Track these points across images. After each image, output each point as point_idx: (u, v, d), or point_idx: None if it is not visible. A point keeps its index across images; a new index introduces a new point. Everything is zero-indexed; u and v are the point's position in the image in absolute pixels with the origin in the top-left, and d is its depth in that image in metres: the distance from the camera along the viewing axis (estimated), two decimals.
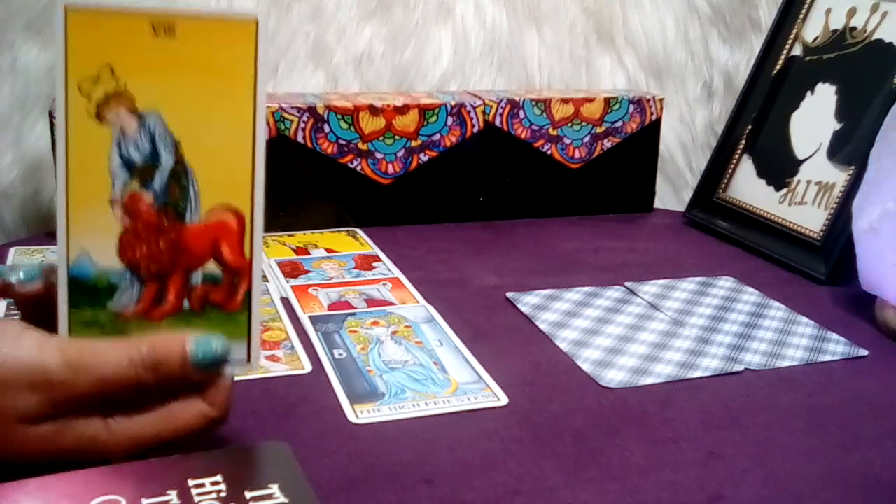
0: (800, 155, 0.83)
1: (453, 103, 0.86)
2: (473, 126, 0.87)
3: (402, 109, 0.85)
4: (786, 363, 0.60)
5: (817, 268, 0.77)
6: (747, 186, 0.88)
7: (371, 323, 0.63)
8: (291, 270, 0.73)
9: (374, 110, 0.84)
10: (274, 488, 0.38)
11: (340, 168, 0.84)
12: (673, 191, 1.05)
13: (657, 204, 0.98)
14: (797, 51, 0.88)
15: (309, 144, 0.83)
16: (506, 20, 0.97)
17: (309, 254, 0.78)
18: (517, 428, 0.50)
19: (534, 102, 0.89)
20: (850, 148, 0.78)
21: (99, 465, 0.40)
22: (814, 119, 0.83)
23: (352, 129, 0.84)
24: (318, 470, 0.45)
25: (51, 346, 0.40)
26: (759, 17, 1.04)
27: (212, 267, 0.43)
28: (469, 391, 0.54)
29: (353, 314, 0.65)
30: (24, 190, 0.86)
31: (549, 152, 0.91)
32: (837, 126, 0.81)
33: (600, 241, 0.86)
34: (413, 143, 0.86)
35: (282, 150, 0.82)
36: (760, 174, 0.87)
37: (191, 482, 0.38)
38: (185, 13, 0.41)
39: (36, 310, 0.43)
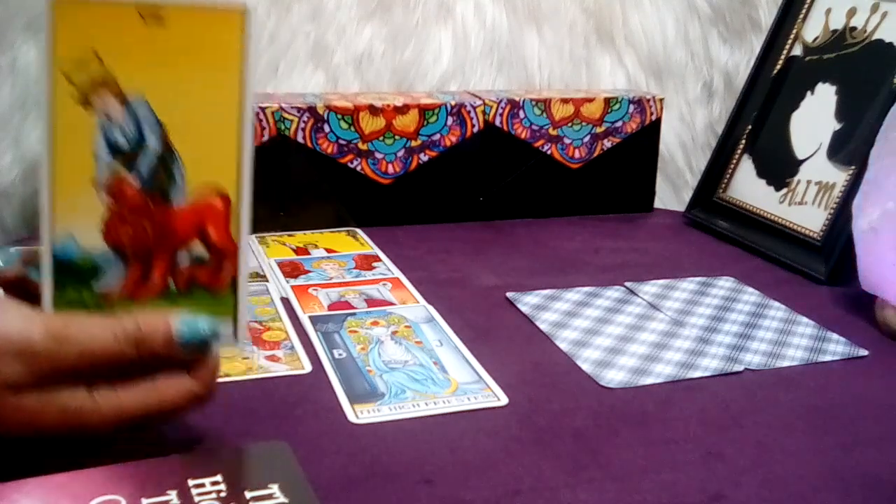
0: (800, 155, 0.83)
1: (453, 103, 0.86)
2: (473, 126, 0.87)
3: (402, 109, 0.85)
4: (786, 363, 0.60)
5: (817, 268, 0.77)
6: (747, 186, 0.88)
7: (371, 323, 0.63)
8: (291, 270, 0.73)
9: (374, 110, 0.84)
10: (274, 488, 0.38)
11: (340, 168, 0.84)
12: (673, 191, 1.05)
13: (657, 204, 0.98)
14: (797, 51, 0.88)
15: (309, 144, 0.83)
16: (506, 20, 0.97)
17: (309, 254, 0.78)
18: (517, 428, 0.50)
19: (534, 102, 0.89)
20: (850, 148, 0.78)
21: (99, 465, 0.40)
22: (814, 119, 0.83)
23: (352, 129, 0.84)
24: (318, 470, 0.45)
25: (35, 318, 0.40)
26: (759, 17, 1.04)
27: (198, 248, 0.43)
28: (469, 391, 0.54)
29: (353, 314, 0.65)
30: (24, 190, 0.86)
31: (549, 152, 0.91)
32: (837, 126, 0.81)
33: (600, 241, 0.86)
34: (413, 143, 0.86)
35: (282, 150, 0.82)
36: (760, 174, 0.87)
37: (191, 482, 0.38)
38: (173, 2, 0.41)
39: (16, 293, 0.44)
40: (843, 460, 0.48)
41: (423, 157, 0.87)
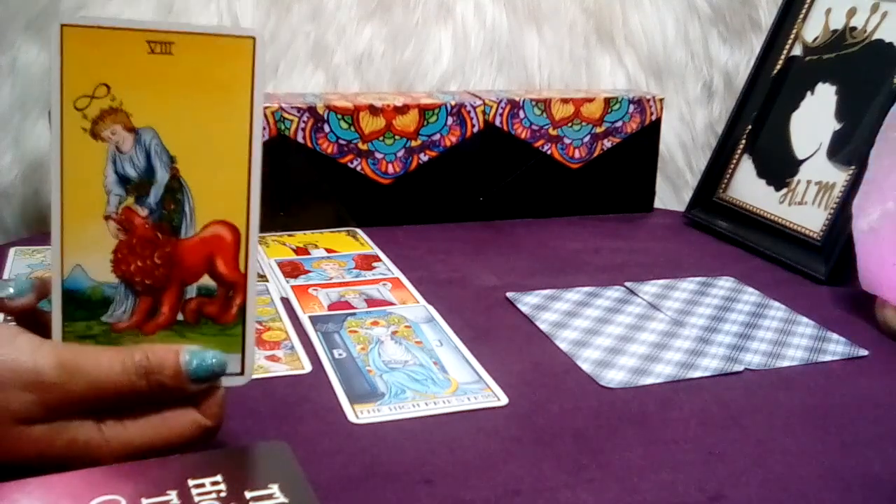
0: (800, 155, 0.83)
1: (453, 103, 0.86)
2: (473, 126, 0.87)
3: (402, 109, 0.85)
4: (786, 363, 0.60)
5: (817, 268, 0.77)
6: (747, 186, 0.88)
7: (371, 323, 0.63)
8: (291, 270, 0.73)
9: (374, 110, 0.84)
10: (274, 488, 0.38)
11: (340, 168, 0.84)
12: (673, 191, 1.05)
13: (657, 204, 0.98)
14: (797, 51, 0.88)
15: (309, 144, 0.83)
16: (506, 20, 0.97)
17: (309, 254, 0.78)
18: (517, 428, 0.50)
19: (534, 102, 0.89)
20: (850, 148, 0.78)
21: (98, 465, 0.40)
22: (814, 119, 0.83)
23: (352, 129, 0.84)
24: (318, 470, 0.45)
25: (45, 349, 0.40)
26: (759, 17, 1.04)
27: (206, 280, 0.43)
28: (469, 391, 0.54)
29: (353, 314, 0.65)
30: (24, 190, 0.86)
31: (549, 152, 0.91)
32: (837, 126, 0.81)
33: (600, 241, 0.86)
34: (413, 143, 0.86)
35: (282, 150, 0.82)
36: (760, 174, 0.87)
37: (191, 482, 0.38)
38: (182, 31, 0.41)
39: (28, 324, 0.44)
40: (843, 460, 0.48)
41: (423, 157, 0.87)
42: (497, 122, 0.88)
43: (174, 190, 0.42)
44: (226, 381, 0.43)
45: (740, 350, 0.61)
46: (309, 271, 0.73)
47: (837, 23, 0.85)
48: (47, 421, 0.40)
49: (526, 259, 0.80)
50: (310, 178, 0.84)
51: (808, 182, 0.81)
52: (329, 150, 0.84)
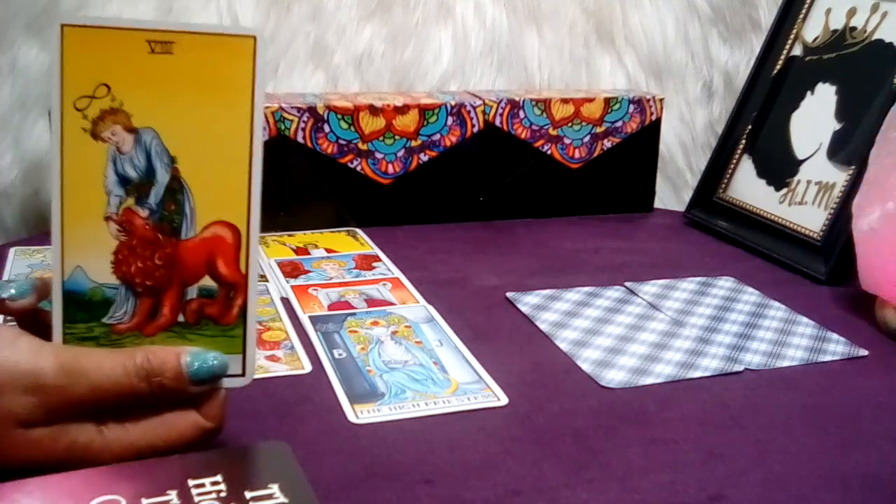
0: (800, 155, 0.83)
1: (453, 103, 0.86)
2: (473, 126, 0.87)
3: (402, 109, 0.85)
4: (786, 363, 0.60)
5: (817, 268, 0.77)
6: (747, 186, 0.88)
7: (371, 323, 0.63)
8: (291, 270, 0.73)
9: (374, 110, 0.84)
10: (274, 488, 0.38)
11: (340, 168, 0.84)
12: (673, 191, 1.05)
13: (657, 204, 0.98)
14: (797, 51, 0.88)
15: (309, 144, 0.83)
16: (506, 20, 0.97)
17: (309, 254, 0.78)
18: (517, 428, 0.50)
19: (534, 102, 0.89)
20: (850, 148, 0.78)
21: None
22: (814, 119, 0.83)
23: (352, 129, 0.84)
24: (318, 470, 0.45)
25: (46, 352, 0.40)
26: (759, 17, 1.04)
27: (207, 281, 0.43)
28: (469, 391, 0.54)
29: (353, 314, 0.65)
30: (24, 190, 0.86)
31: (549, 152, 0.91)
32: (837, 126, 0.81)
33: (600, 241, 0.86)
34: (413, 143, 0.86)
35: (282, 150, 0.82)
36: (760, 174, 0.87)
37: (191, 482, 0.38)
38: (183, 30, 0.41)
39: (29, 325, 0.44)
40: (843, 460, 0.48)
41: (423, 157, 0.87)
42: (497, 122, 0.88)
43: (175, 190, 0.42)
44: (227, 383, 0.43)
45: (740, 350, 0.61)
46: (309, 271, 0.73)
47: (837, 23, 0.85)
48: (48, 424, 0.40)
49: (526, 259, 0.80)
50: (310, 178, 0.84)
51: (808, 182, 0.81)
52: (329, 150, 0.84)
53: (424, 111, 0.85)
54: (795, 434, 0.51)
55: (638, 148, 0.94)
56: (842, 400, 0.55)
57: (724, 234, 0.87)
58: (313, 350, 0.59)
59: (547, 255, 0.81)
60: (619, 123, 0.92)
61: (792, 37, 0.88)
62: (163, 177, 0.42)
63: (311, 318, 0.64)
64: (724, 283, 0.74)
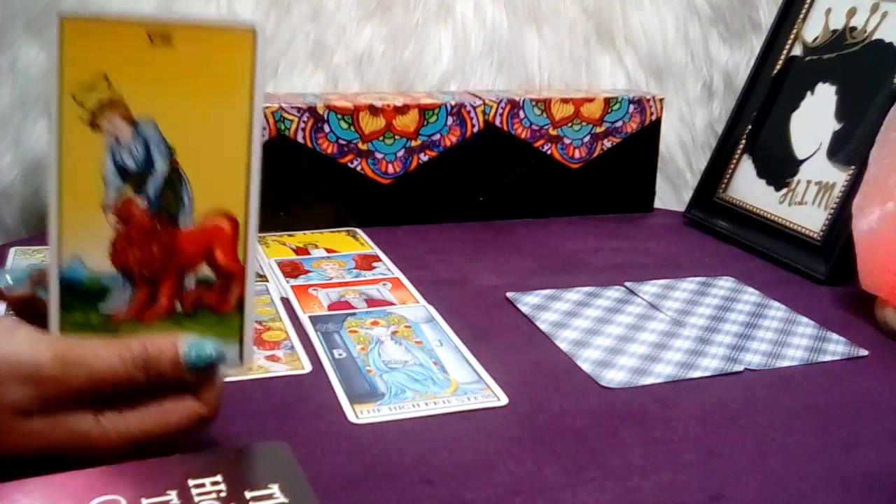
0: (800, 155, 0.83)
1: (453, 103, 0.86)
2: (473, 126, 0.87)
3: (402, 109, 0.85)
4: (786, 363, 0.60)
5: (817, 268, 0.77)
6: (747, 186, 0.88)
7: (371, 323, 0.63)
8: (291, 270, 0.73)
9: (374, 110, 0.84)
10: (274, 488, 0.38)
11: (340, 168, 0.84)
12: (673, 191, 1.05)
13: (657, 204, 0.98)
14: (797, 51, 0.88)
15: (309, 144, 0.83)
16: (506, 20, 0.97)
17: (309, 254, 0.78)
18: (517, 428, 0.50)
19: (534, 102, 0.89)
20: (850, 148, 0.78)
21: (98, 465, 0.40)
22: (814, 119, 0.83)
23: (352, 129, 0.84)
24: (318, 470, 0.45)
25: (43, 342, 0.40)
26: (759, 17, 1.04)
27: (205, 270, 0.43)
28: (469, 391, 0.54)
29: (353, 314, 0.65)
30: (24, 190, 0.86)
31: (549, 152, 0.91)
32: (837, 126, 0.81)
33: (600, 241, 0.86)
34: (413, 143, 0.86)
35: (282, 150, 0.82)
36: (760, 174, 0.87)
37: (191, 482, 0.38)
38: (182, 22, 0.41)
39: (26, 313, 0.44)
40: (843, 460, 0.48)
41: (423, 157, 0.87)
42: (497, 122, 0.88)
43: (173, 181, 0.42)
44: (223, 371, 0.43)
45: (740, 350, 0.61)
46: (309, 271, 0.73)
47: (837, 23, 0.85)
48: (46, 414, 0.40)
49: (526, 259, 0.80)
50: (310, 178, 0.84)
51: (808, 182, 0.81)
52: (329, 150, 0.84)
53: (424, 111, 0.85)
54: (795, 434, 0.51)
55: (638, 148, 0.94)
56: (842, 400, 0.55)
57: (724, 234, 0.87)
58: (313, 350, 0.59)
59: (547, 255, 0.81)
60: (619, 123, 0.92)
61: (792, 37, 0.88)
62: (161, 168, 0.42)
63: (311, 318, 0.64)
64: (724, 283, 0.74)
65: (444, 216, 0.89)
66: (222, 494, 0.38)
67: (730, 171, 0.90)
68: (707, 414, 0.53)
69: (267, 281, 0.71)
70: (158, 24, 0.41)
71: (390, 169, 0.86)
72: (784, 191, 0.83)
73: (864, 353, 0.62)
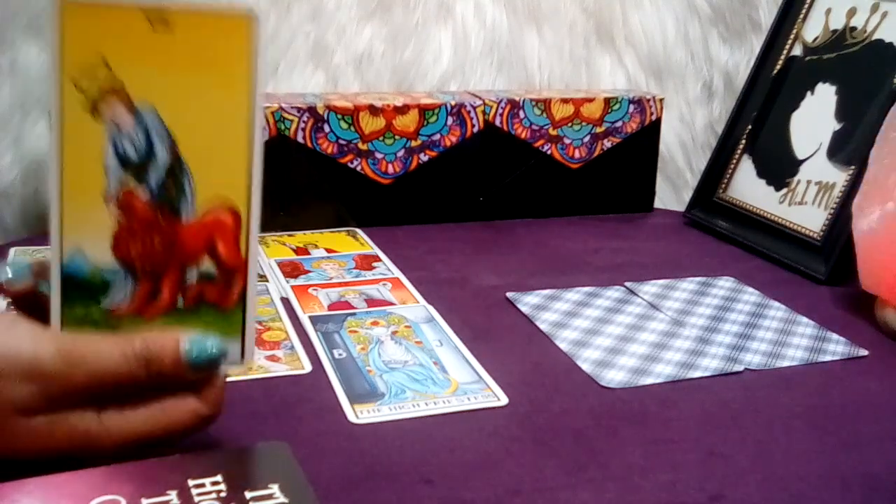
0: (800, 155, 0.83)
1: (453, 103, 0.86)
2: (473, 126, 0.87)
3: (402, 109, 0.85)
4: (786, 363, 0.60)
5: (817, 268, 0.77)
6: (747, 186, 0.88)
7: (371, 323, 0.63)
8: (291, 270, 0.73)
9: (374, 110, 0.84)
10: (274, 488, 0.38)
11: (340, 168, 0.84)
12: (673, 191, 1.05)
13: (657, 204, 0.98)
14: (797, 51, 0.88)
15: (309, 144, 0.83)
16: (506, 20, 0.97)
17: (309, 254, 0.78)
18: (517, 428, 0.50)
19: (534, 102, 0.89)
20: (850, 148, 0.78)
21: (98, 465, 0.40)
22: (814, 119, 0.83)
23: (352, 129, 0.84)
24: (318, 470, 0.45)
25: (45, 338, 0.40)
26: (759, 17, 1.04)
27: (207, 264, 0.43)
28: (469, 391, 0.54)
29: (353, 314, 0.65)
30: (24, 190, 0.86)
31: (549, 152, 0.91)
32: (837, 126, 0.81)
33: (600, 241, 0.86)
34: (413, 143, 0.86)
35: (282, 150, 0.82)
36: (760, 174, 0.87)
37: (191, 482, 0.38)
38: (181, 7, 0.40)
39: (27, 307, 0.43)
40: (843, 460, 0.48)
41: (423, 157, 0.87)
42: (497, 122, 0.88)
43: (175, 171, 0.41)
44: (225, 368, 0.43)
45: (740, 350, 0.61)
46: (309, 271, 0.73)
47: (837, 23, 0.85)
48: (47, 411, 0.39)
49: (526, 259, 0.80)
50: (310, 178, 0.84)
51: (808, 182, 0.81)
52: (329, 150, 0.84)
53: (424, 111, 0.85)
54: (795, 434, 0.51)
55: (638, 148, 0.94)
56: (842, 400, 0.55)
57: (724, 234, 0.87)
58: (313, 350, 0.59)
59: (547, 255, 0.81)
60: (619, 123, 0.92)
61: (792, 37, 0.88)
62: (163, 157, 0.41)
63: (311, 318, 0.64)
64: (724, 283, 0.74)
65: (444, 216, 0.89)
66: (222, 494, 0.38)
67: (730, 171, 0.90)
68: (707, 414, 0.53)
69: (267, 281, 0.71)
70: (158, 8, 0.40)
71: (390, 169, 0.86)
72: (784, 191, 0.83)
73: (864, 353, 0.62)
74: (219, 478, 0.39)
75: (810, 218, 0.80)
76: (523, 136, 0.89)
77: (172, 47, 0.40)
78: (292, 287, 0.70)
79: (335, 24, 0.92)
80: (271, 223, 0.83)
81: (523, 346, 0.61)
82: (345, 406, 0.52)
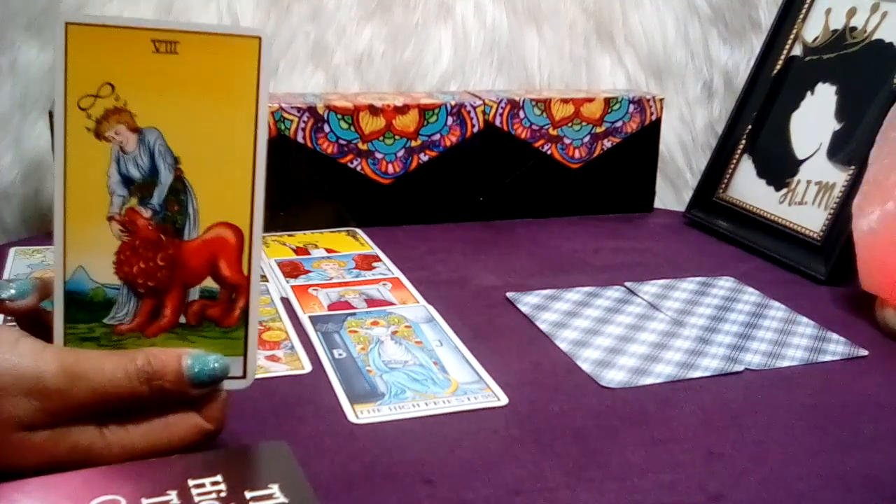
0: (800, 155, 0.83)
1: (453, 103, 0.86)
2: (473, 126, 0.87)
3: (402, 109, 0.85)
4: (786, 363, 0.60)
5: (817, 268, 0.77)
6: (747, 186, 0.88)
7: (371, 323, 0.63)
8: (291, 270, 0.73)
9: (374, 110, 0.84)
10: (274, 488, 0.38)
11: (340, 168, 0.84)
12: (673, 191, 1.05)
13: (657, 204, 0.98)
14: (797, 51, 0.88)
15: (309, 144, 0.83)
16: (506, 20, 0.97)
17: (309, 254, 0.78)
18: (517, 428, 0.50)
19: (534, 102, 0.89)
20: (850, 148, 0.78)
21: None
22: (814, 119, 0.83)
23: (352, 129, 0.84)
24: (318, 470, 0.45)
25: (47, 354, 0.40)
26: (759, 17, 1.04)
27: (209, 282, 0.43)
28: (469, 391, 0.54)
29: (353, 314, 0.65)
30: (24, 190, 0.86)
31: (549, 152, 0.91)
32: (837, 126, 0.81)
33: (600, 241, 0.86)
34: (413, 143, 0.86)
35: (282, 150, 0.82)
36: (760, 174, 0.87)
37: (191, 482, 0.38)
38: (188, 30, 0.41)
39: (29, 325, 0.44)
40: (843, 460, 0.48)
41: (423, 157, 0.87)
42: (497, 122, 0.88)
43: (178, 191, 0.42)
44: (227, 385, 0.43)
45: (740, 350, 0.61)
46: (309, 271, 0.73)
47: (837, 23, 0.85)
48: (49, 427, 0.40)
49: (526, 259, 0.80)
50: (310, 178, 0.84)
51: (808, 182, 0.81)
52: (329, 150, 0.84)
53: (424, 111, 0.85)
54: (795, 434, 0.51)
55: (638, 148, 0.94)
56: (842, 400, 0.55)
57: (724, 234, 0.87)
58: (313, 350, 0.59)
59: (547, 255, 0.81)
60: (619, 123, 0.92)
61: (792, 37, 0.88)
62: (166, 177, 0.42)
63: (311, 318, 0.64)
64: (724, 284, 0.74)
65: (444, 216, 0.89)
66: (222, 494, 0.38)
67: (730, 171, 0.90)
68: (707, 414, 0.53)
69: (267, 281, 0.71)
70: (164, 31, 0.40)
71: (390, 169, 0.86)
72: (784, 191, 0.83)
73: (864, 353, 0.62)
74: (219, 478, 0.39)
75: (810, 218, 0.80)
76: (523, 136, 0.89)
77: (177, 69, 0.41)
78: (292, 287, 0.70)
79: (335, 24, 0.92)
80: (271, 223, 0.83)
81: (523, 346, 0.61)
82: (345, 406, 0.52)
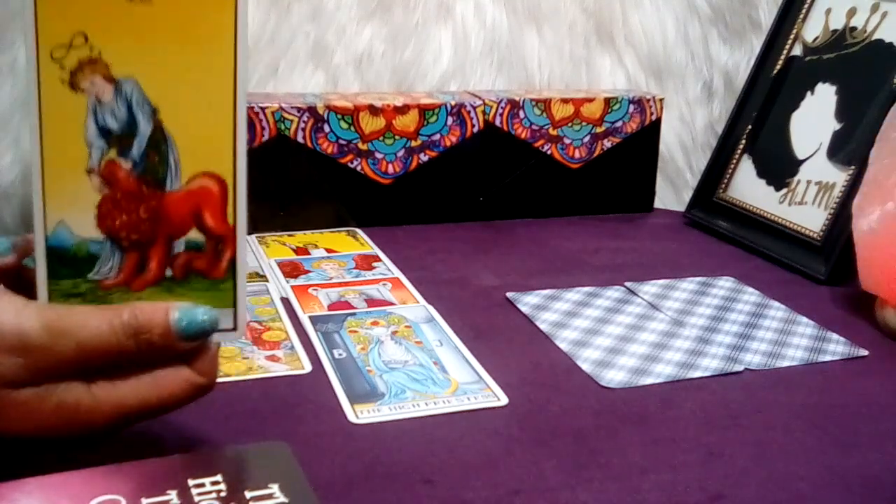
0: (800, 155, 0.83)
1: (453, 103, 0.86)
2: (473, 126, 0.87)
3: (402, 109, 0.85)
4: (786, 363, 0.60)
5: (817, 268, 0.77)
6: (747, 186, 0.88)
7: (371, 323, 0.63)
8: (291, 270, 0.73)
9: (374, 110, 0.84)
10: (274, 488, 0.38)
11: (340, 168, 0.84)
12: (673, 191, 1.05)
13: (657, 204, 0.98)
14: (797, 51, 0.88)
15: (309, 144, 0.83)
16: (506, 20, 0.97)
17: (309, 254, 0.78)
18: (517, 428, 0.50)
19: (534, 102, 0.89)
20: (850, 148, 0.78)
21: (98, 465, 0.40)
22: (814, 119, 0.83)
23: (352, 129, 0.84)
24: (318, 470, 0.45)
25: (29, 311, 0.39)
26: (759, 17, 1.03)
27: (195, 234, 0.42)
28: (469, 391, 0.54)
29: (353, 314, 0.65)
30: (24, 190, 0.86)
31: (549, 152, 0.91)
32: (837, 126, 0.81)
33: (600, 241, 0.86)
34: (413, 143, 0.86)
35: (282, 150, 0.82)
36: (760, 174, 0.87)
37: (191, 482, 0.38)
38: None
39: (12, 283, 0.43)
40: (843, 460, 0.48)
41: (423, 157, 0.87)
42: (497, 122, 0.88)
43: (158, 141, 0.41)
44: (218, 338, 0.42)
45: (740, 350, 0.61)
46: (309, 271, 0.73)
47: (837, 23, 0.85)
48: (34, 384, 0.39)
49: (526, 259, 0.80)
50: (310, 178, 0.84)
51: (808, 182, 0.81)
52: (329, 150, 0.84)
53: (424, 111, 0.85)
54: (795, 434, 0.51)
55: (638, 148, 0.94)
56: (842, 400, 0.55)
57: (724, 234, 0.87)
58: (313, 350, 0.59)
59: (547, 255, 0.81)
60: (619, 123, 0.92)
61: (792, 37, 0.88)
62: (145, 127, 0.41)
63: (311, 318, 0.64)
64: (724, 283, 0.74)
65: (444, 216, 0.89)
66: (222, 494, 0.38)
67: (730, 171, 0.90)
68: (707, 414, 0.53)
69: (267, 281, 0.71)
70: None
71: (390, 169, 0.86)
72: (784, 191, 0.83)
73: (864, 353, 0.62)
74: (219, 477, 0.39)
75: (810, 218, 0.80)
76: (523, 136, 0.89)
77: (153, 19, 0.40)
78: (292, 287, 0.70)
79: (335, 24, 0.92)
80: (271, 223, 0.83)
81: (523, 346, 0.61)
82: (345, 406, 0.52)
